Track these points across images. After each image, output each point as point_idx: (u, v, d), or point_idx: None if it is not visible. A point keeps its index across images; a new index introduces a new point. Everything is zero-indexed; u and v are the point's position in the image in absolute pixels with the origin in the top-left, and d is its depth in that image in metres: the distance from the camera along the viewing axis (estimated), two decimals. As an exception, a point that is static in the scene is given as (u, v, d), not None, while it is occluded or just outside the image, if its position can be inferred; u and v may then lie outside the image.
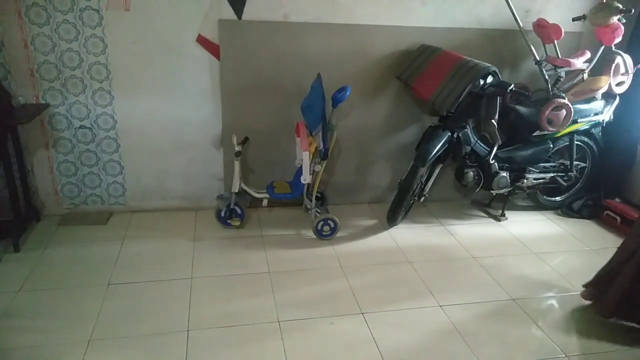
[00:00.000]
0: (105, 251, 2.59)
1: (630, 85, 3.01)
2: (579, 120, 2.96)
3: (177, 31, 2.65)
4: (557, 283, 2.54)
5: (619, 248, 2.27)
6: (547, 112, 2.77)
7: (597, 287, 2.29)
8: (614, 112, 3.09)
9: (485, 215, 3.29)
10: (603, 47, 2.90)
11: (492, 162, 2.91)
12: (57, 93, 2.66)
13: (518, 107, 2.90)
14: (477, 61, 2.58)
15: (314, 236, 2.83)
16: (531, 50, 2.83)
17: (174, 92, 2.78)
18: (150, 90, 2.75)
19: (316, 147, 2.60)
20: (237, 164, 2.70)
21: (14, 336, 1.96)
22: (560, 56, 2.91)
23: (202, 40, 2.70)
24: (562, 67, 2.87)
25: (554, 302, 2.39)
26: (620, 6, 2.70)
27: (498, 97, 2.67)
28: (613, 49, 2.93)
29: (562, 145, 3.12)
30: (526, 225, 3.17)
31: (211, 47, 2.73)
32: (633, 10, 2.78)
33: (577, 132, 3.08)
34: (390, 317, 2.20)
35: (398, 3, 2.83)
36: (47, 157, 2.80)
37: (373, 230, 2.99)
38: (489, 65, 2.53)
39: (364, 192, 3.31)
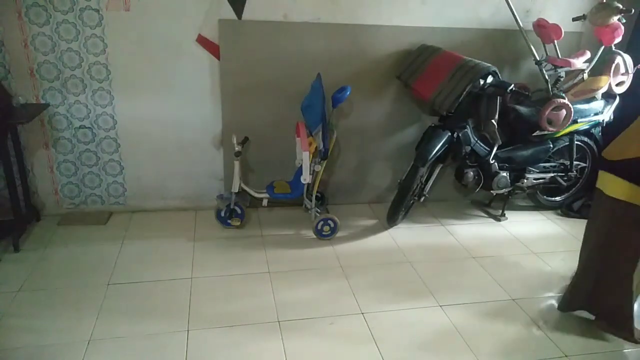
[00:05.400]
0: (105, 251, 2.59)
1: (630, 85, 3.01)
2: (579, 120, 2.95)
3: (177, 31, 2.65)
4: (557, 283, 2.54)
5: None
6: (547, 112, 2.77)
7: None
8: (614, 112, 3.10)
9: (485, 215, 3.29)
10: (603, 47, 2.89)
11: (492, 162, 2.91)
12: (57, 93, 2.66)
13: (518, 107, 2.90)
14: (477, 61, 2.58)
15: (314, 236, 2.83)
16: (531, 50, 2.82)
17: (174, 92, 2.78)
18: (150, 90, 2.74)
19: (316, 147, 2.60)
20: (237, 164, 2.70)
21: (14, 336, 1.96)
22: (560, 56, 2.91)
23: (202, 40, 2.70)
24: (562, 67, 2.87)
25: (554, 302, 2.38)
26: (620, 6, 2.70)
27: (498, 97, 2.67)
28: (613, 49, 2.93)
29: (562, 145, 3.12)
30: (526, 225, 3.17)
31: (211, 47, 2.72)
32: (633, 10, 2.77)
33: (577, 132, 3.07)
34: (390, 317, 2.20)
35: (398, 3, 2.83)
36: (47, 157, 2.80)
37: (373, 230, 2.99)
38: (489, 65, 2.53)
39: (364, 192, 3.31)
